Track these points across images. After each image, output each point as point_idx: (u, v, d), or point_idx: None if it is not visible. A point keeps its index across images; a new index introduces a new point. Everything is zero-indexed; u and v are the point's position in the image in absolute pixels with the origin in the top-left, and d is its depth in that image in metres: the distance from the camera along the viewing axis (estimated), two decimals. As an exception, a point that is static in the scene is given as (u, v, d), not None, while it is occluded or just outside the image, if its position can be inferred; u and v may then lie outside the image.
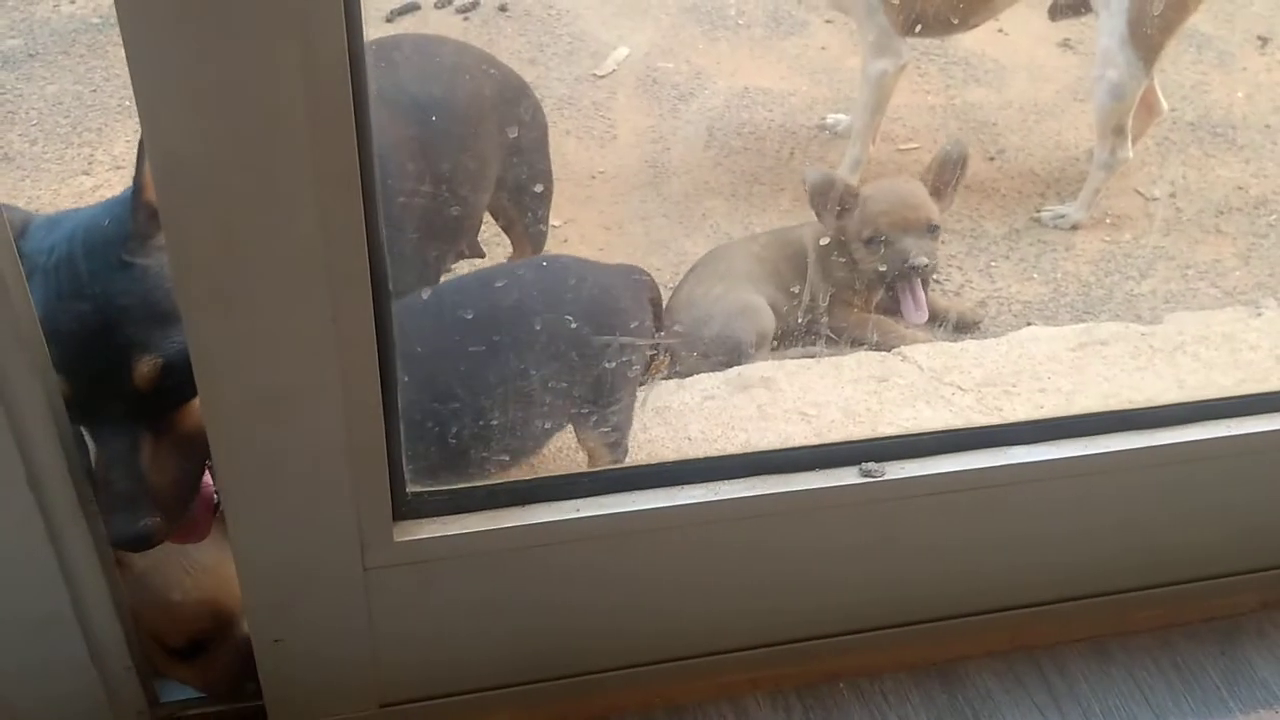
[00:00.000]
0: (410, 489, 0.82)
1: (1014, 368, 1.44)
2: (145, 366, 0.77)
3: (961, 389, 1.39)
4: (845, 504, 0.90)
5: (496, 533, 0.83)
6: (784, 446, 0.89)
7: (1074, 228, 2.12)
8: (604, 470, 0.87)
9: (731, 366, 1.62)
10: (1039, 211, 2.15)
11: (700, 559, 0.91)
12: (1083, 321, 1.84)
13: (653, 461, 1.01)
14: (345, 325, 0.69)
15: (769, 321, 1.86)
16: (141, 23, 0.56)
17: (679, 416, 1.32)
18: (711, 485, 0.87)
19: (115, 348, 0.78)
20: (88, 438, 0.79)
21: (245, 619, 0.86)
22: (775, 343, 1.87)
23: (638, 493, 0.86)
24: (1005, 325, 1.86)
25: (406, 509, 0.82)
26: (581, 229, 2.06)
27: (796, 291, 1.92)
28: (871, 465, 0.90)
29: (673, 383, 1.34)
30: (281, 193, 0.63)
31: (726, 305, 1.83)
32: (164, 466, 0.78)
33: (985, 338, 1.57)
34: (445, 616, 0.89)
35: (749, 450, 0.89)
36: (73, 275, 0.78)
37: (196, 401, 0.74)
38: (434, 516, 0.83)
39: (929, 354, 1.43)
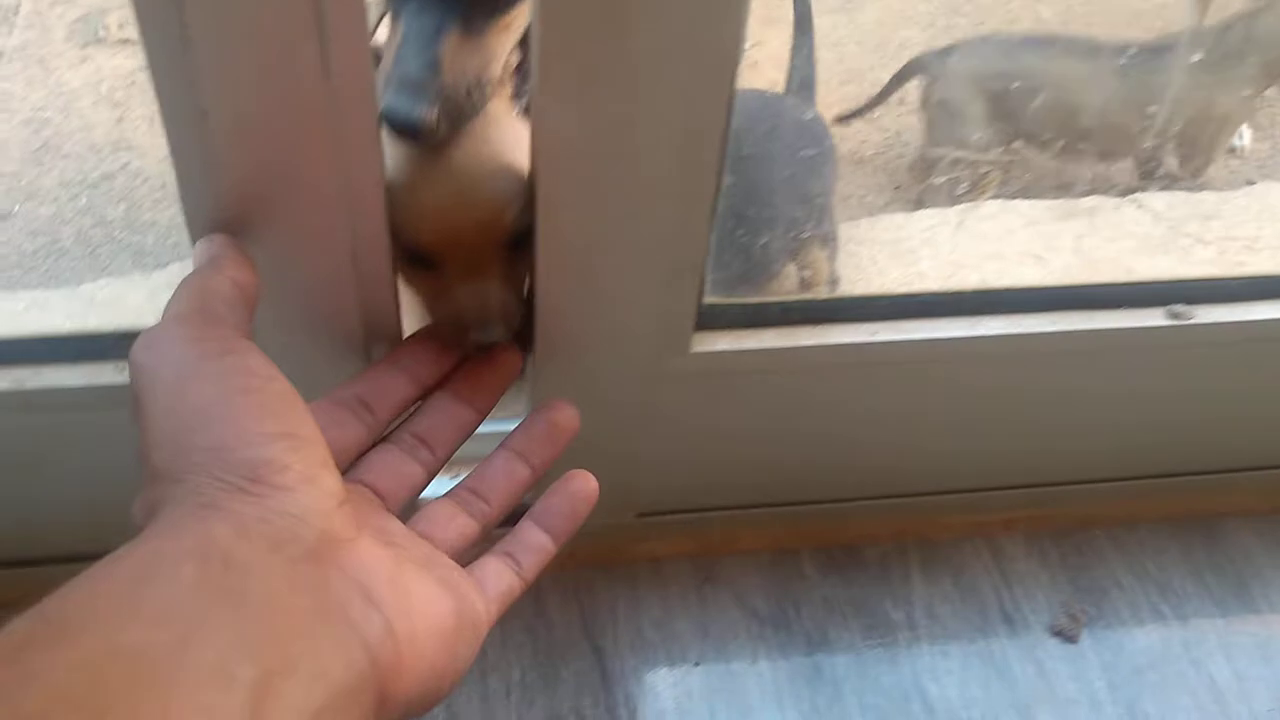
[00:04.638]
0: (707, 299, 0.79)
1: (1256, 222, 1.36)
2: None
3: (1202, 241, 1.32)
4: (1149, 346, 0.85)
5: (792, 351, 0.80)
6: (1088, 283, 0.84)
7: None
8: (902, 295, 0.83)
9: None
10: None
11: (987, 392, 0.87)
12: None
13: (951, 289, 0.97)
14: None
15: None
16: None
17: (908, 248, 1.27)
18: (1013, 318, 0.83)
19: None
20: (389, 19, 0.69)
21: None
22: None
23: (936, 320, 0.82)
24: (1224, 182, 1.75)
25: (703, 319, 0.79)
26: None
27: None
28: (1180, 307, 0.85)
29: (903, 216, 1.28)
30: (647, 189, 0.64)
31: None
32: (461, 68, 0.67)
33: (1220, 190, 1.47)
34: (718, 432, 0.87)
35: (1052, 284, 0.84)
36: None
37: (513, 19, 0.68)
38: (729, 329, 0.81)
39: (1168, 203, 1.36)
